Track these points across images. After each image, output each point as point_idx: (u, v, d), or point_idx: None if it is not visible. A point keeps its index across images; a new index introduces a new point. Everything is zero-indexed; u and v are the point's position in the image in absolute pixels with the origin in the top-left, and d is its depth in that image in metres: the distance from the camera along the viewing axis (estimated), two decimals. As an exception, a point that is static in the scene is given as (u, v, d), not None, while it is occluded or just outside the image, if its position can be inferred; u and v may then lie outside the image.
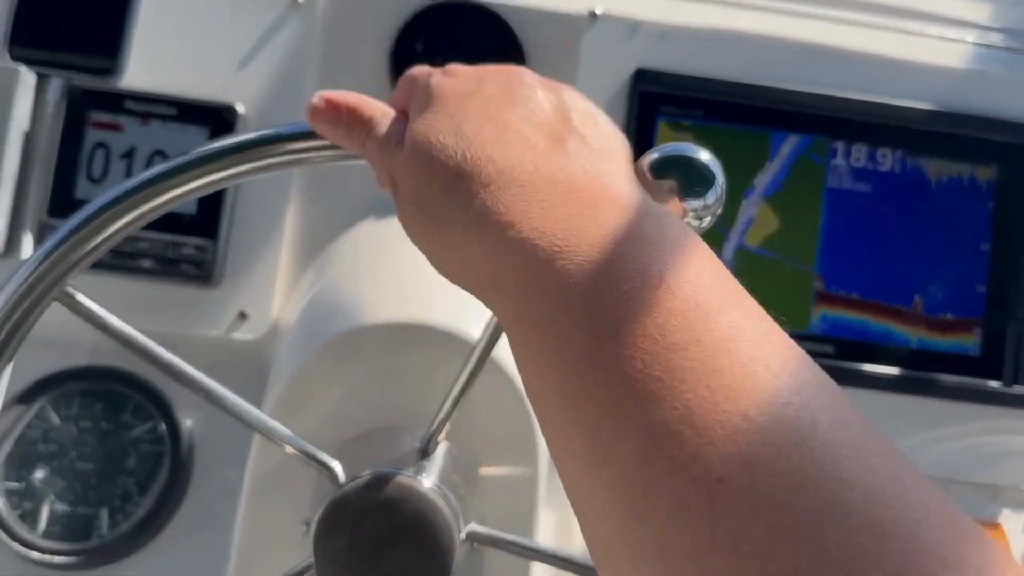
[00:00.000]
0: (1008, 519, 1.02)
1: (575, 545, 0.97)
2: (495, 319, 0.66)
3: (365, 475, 0.68)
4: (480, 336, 0.70)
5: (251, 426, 0.66)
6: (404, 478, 0.68)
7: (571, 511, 1.01)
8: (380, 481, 0.67)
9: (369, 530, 0.68)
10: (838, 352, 1.00)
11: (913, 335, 1.01)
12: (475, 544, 0.74)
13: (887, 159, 1.02)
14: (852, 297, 1.01)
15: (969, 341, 1.02)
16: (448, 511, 0.69)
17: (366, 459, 0.72)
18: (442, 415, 0.74)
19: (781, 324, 0.42)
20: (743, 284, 1.07)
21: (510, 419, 0.86)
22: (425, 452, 0.74)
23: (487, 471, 0.87)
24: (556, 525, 0.98)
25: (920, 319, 1.01)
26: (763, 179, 1.02)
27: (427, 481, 0.70)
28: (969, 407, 1.02)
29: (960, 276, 1.02)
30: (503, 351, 0.85)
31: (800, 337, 1.00)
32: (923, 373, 1.00)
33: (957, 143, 1.02)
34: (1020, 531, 1.02)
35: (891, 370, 0.99)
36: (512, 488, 0.87)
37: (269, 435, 0.66)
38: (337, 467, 0.68)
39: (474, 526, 0.73)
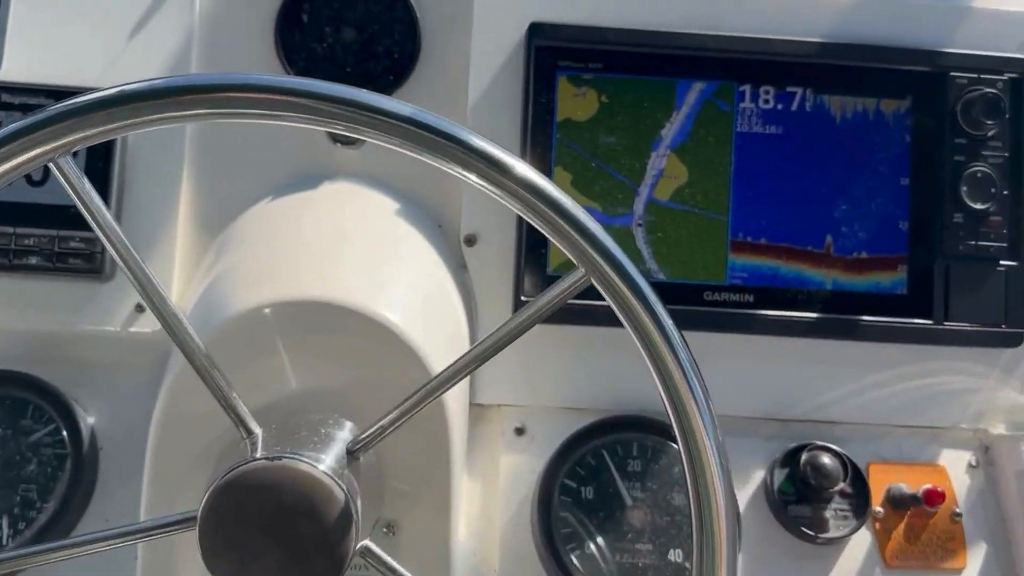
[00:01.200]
0: (950, 460, 0.99)
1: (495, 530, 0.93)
2: (469, 356, 0.63)
3: (287, 455, 0.62)
4: (449, 366, 0.65)
5: (195, 365, 0.62)
6: (323, 476, 0.62)
7: (493, 486, 0.96)
8: (297, 470, 0.62)
9: (265, 510, 0.63)
10: (758, 300, 0.97)
11: (827, 277, 0.97)
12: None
13: (797, 99, 0.99)
14: (760, 243, 0.97)
15: (894, 279, 0.98)
16: (355, 522, 0.64)
17: (282, 433, 0.68)
18: (384, 425, 0.68)
19: None
20: (657, 238, 1.04)
21: (429, 440, 0.82)
22: (354, 456, 0.69)
23: (400, 486, 0.83)
24: (481, 494, 0.95)
25: (833, 260, 0.97)
26: (670, 129, 0.99)
27: (345, 485, 0.63)
28: (901, 348, 0.98)
29: (881, 213, 0.99)
30: (420, 339, 0.82)
31: (718, 288, 0.97)
32: (847, 316, 0.97)
33: (869, 76, 0.99)
34: (964, 471, 0.99)
35: (812, 315, 0.96)
36: (423, 481, 0.84)
37: (209, 380, 0.62)
38: (259, 436, 0.64)
39: (368, 543, 0.67)
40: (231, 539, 0.62)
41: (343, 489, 0.62)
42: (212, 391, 0.64)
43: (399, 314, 0.82)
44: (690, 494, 0.59)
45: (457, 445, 0.86)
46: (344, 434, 0.71)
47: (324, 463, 0.63)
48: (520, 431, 0.97)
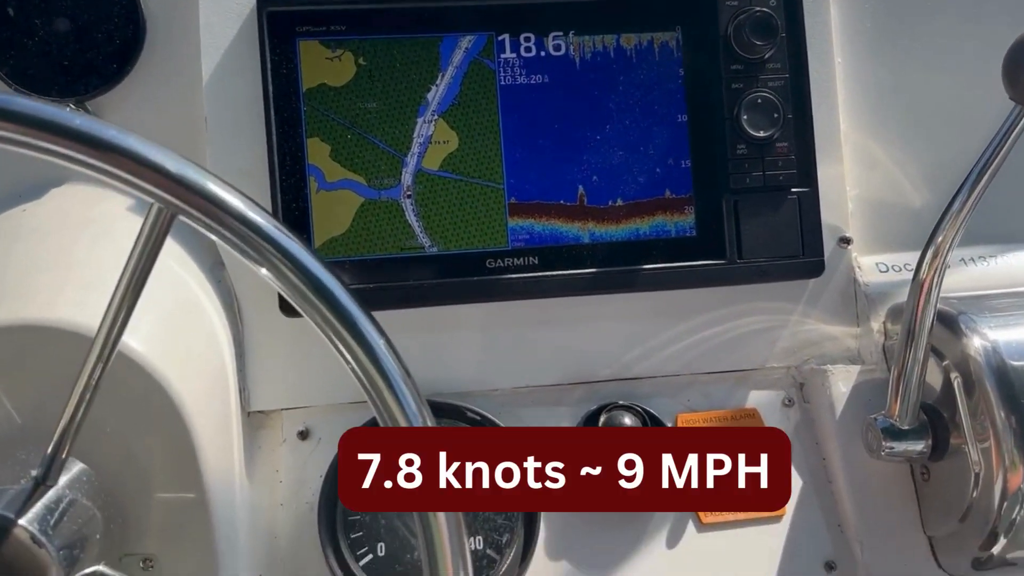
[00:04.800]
0: (761, 401, 0.95)
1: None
2: (116, 299, 0.57)
3: None
4: (98, 328, 0.60)
5: None
6: None
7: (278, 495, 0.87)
8: None
9: None
10: (543, 262, 0.91)
11: (582, 230, 0.92)
12: None
13: (559, 42, 0.92)
14: (535, 202, 0.91)
15: (683, 221, 0.93)
16: (44, 558, 0.61)
17: None
18: (60, 430, 0.63)
19: None
20: (428, 210, 0.97)
21: (168, 439, 0.75)
22: (44, 479, 0.64)
23: (144, 496, 0.76)
24: (267, 506, 0.87)
25: (605, 210, 0.92)
26: (436, 93, 0.92)
27: (24, 521, 0.61)
28: (698, 293, 0.94)
29: (661, 154, 0.93)
30: (160, 361, 0.75)
31: (501, 254, 0.91)
32: (635, 266, 0.91)
33: (633, 10, 0.93)
34: (777, 411, 0.95)
35: (597, 269, 0.90)
36: (180, 512, 0.77)
37: None
38: None
39: (102, 568, 0.67)
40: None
41: (14, 521, 0.60)
42: None
43: (132, 335, 0.74)
44: None
45: (215, 463, 0.78)
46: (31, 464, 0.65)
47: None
48: (304, 434, 0.90)
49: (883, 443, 0.84)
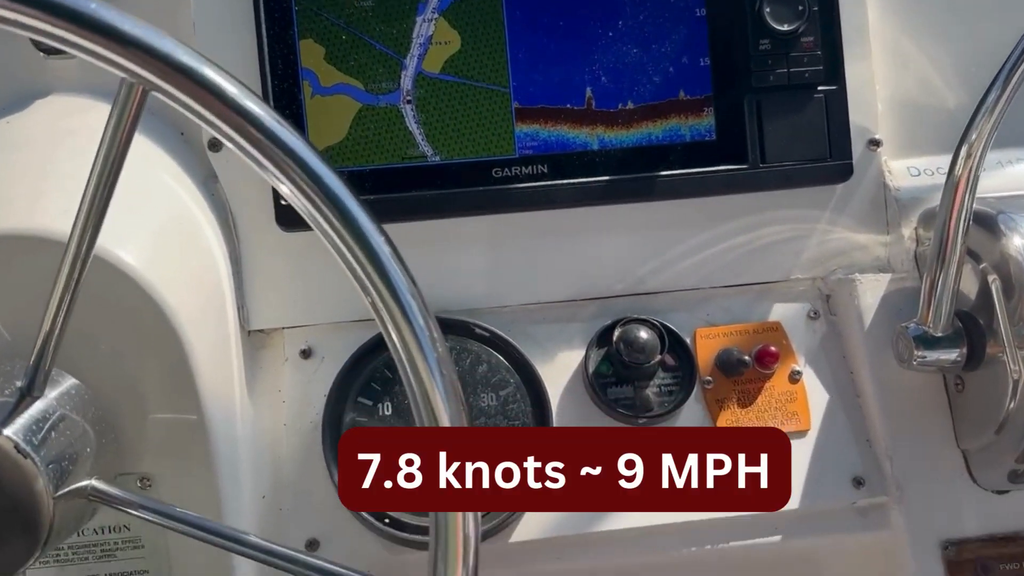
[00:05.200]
0: (785, 315, 0.91)
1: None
2: (88, 193, 0.54)
3: None
4: (72, 226, 0.56)
5: None
6: None
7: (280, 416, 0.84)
8: None
9: None
10: (553, 170, 0.86)
11: (591, 136, 0.86)
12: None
13: (568, -69, 0.86)
14: (517, 105, 0.86)
15: (701, 124, 0.88)
16: (30, 468, 0.59)
17: None
18: (42, 339, 0.60)
19: None
20: (430, 117, 0.91)
21: (163, 355, 0.73)
22: (30, 390, 0.61)
23: (140, 414, 0.73)
24: (269, 428, 0.84)
25: (618, 114, 0.86)
26: (436, -11, 0.86)
27: (8, 431, 0.59)
28: (718, 200, 0.88)
29: (678, 52, 0.87)
30: (152, 275, 0.71)
31: (507, 163, 0.86)
32: (649, 173, 0.86)
33: None
34: (802, 325, 0.91)
35: (610, 177, 0.85)
36: (179, 431, 0.74)
37: None
38: None
39: (94, 482, 0.63)
40: None
41: (9, 435, 0.58)
42: None
43: (124, 248, 0.71)
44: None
45: (213, 383, 0.75)
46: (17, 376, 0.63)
47: None
48: (306, 353, 0.86)
49: (915, 352, 0.80)
